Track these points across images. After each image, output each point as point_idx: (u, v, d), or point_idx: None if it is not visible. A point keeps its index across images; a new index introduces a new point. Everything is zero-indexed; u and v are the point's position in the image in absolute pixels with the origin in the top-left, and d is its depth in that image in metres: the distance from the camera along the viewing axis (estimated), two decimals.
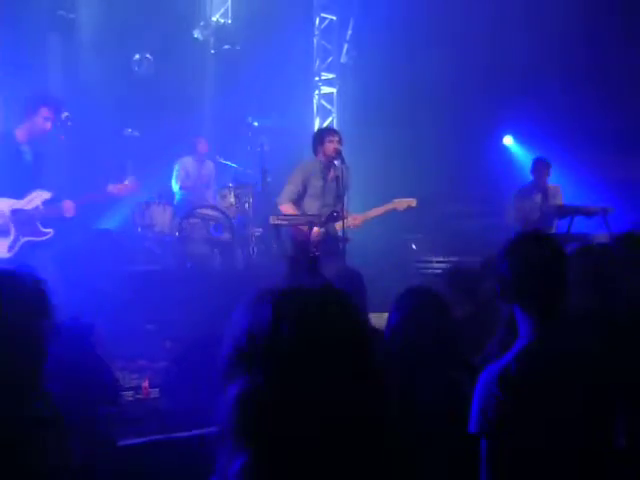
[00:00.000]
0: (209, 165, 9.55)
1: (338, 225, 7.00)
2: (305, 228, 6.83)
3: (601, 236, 7.08)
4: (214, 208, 8.84)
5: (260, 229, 8.91)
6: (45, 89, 7.58)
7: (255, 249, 8.81)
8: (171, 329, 6.52)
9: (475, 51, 10.12)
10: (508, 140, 11.50)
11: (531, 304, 2.54)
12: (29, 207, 6.06)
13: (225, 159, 9.73)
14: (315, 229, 6.82)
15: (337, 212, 7.05)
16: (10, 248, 5.96)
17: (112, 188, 6.60)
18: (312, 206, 7.21)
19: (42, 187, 6.18)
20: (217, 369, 1.60)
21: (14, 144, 6.07)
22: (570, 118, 9.83)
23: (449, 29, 10.08)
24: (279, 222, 6.88)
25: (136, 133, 9.32)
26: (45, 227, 6.14)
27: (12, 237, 5.98)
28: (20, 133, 6.13)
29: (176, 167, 9.35)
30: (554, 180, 8.74)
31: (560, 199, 8.55)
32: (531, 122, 10.27)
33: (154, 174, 9.18)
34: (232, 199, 9.15)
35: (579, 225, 7.80)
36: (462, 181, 10.36)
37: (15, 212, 5.99)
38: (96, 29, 9.40)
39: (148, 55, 9.89)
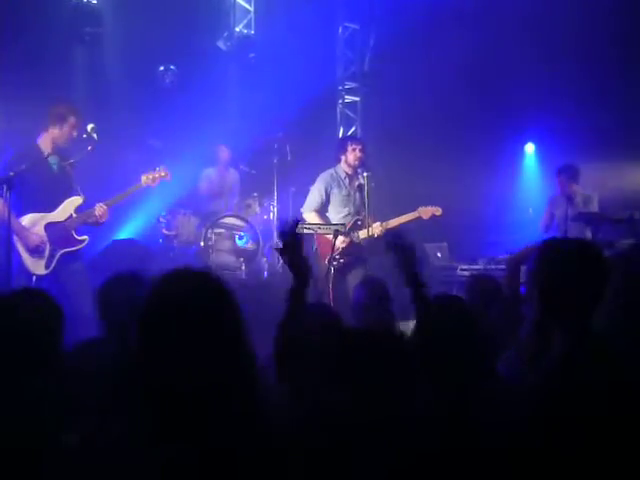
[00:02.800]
0: (233, 174, 9.59)
1: (362, 233, 7.02)
2: (329, 236, 6.84)
3: (627, 243, 7.01)
4: (239, 217, 8.87)
5: None
6: (70, 99, 7.63)
7: (280, 258, 8.81)
8: None
9: (500, 56, 10.09)
10: (530, 148, 11.44)
11: (566, 313, 2.44)
12: (63, 218, 6.09)
13: (249, 168, 9.77)
14: (340, 237, 6.82)
15: (361, 220, 7.07)
16: (48, 265, 5.99)
17: (145, 178, 6.64)
18: (335, 215, 7.23)
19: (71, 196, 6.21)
20: None
21: (40, 156, 6.06)
22: (590, 125, 9.75)
23: (471, 38, 10.05)
24: (303, 230, 6.89)
25: (160, 143, 9.39)
26: (80, 235, 6.20)
27: (48, 253, 5.99)
28: (44, 144, 6.14)
29: (200, 177, 9.40)
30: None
31: (594, 207, 8.35)
32: (552, 130, 10.22)
33: (179, 184, 9.23)
34: (257, 208, 9.18)
35: (605, 231, 7.75)
36: (486, 188, 10.33)
37: (49, 227, 6.02)
38: (120, 41, 9.49)
39: (172, 66, 9.96)
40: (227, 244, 8.69)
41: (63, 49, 9.07)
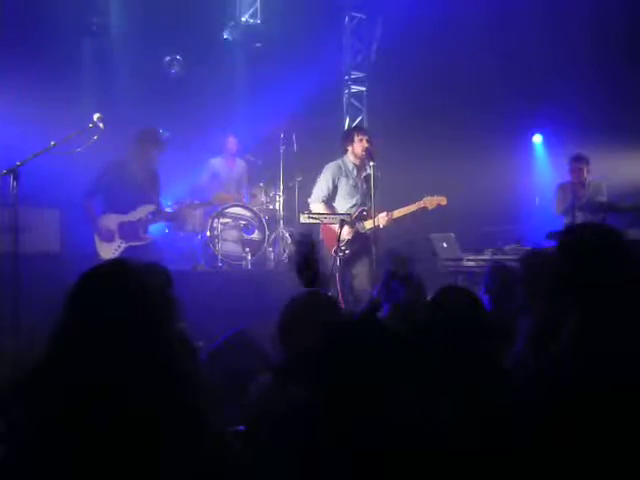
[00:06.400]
0: (240, 164, 9.58)
1: (368, 224, 7.01)
2: (335, 227, 6.83)
3: (636, 231, 6.99)
4: (245, 207, 8.88)
5: (291, 228, 8.93)
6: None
7: (286, 248, 8.83)
8: (202, 328, 6.56)
9: (506, 47, 10.06)
10: (537, 139, 11.42)
11: (588, 297, 2.42)
12: (135, 219, 7.32)
13: (255, 158, 9.76)
14: (346, 228, 6.81)
15: (366, 211, 7.05)
16: (115, 251, 7.28)
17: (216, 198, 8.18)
18: (343, 205, 7.22)
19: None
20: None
21: (126, 169, 7.36)
22: (597, 116, 9.71)
23: (480, 26, 10.02)
24: (309, 220, 6.89)
25: (167, 134, 9.38)
26: (147, 234, 7.41)
27: (116, 243, 7.27)
28: (131, 159, 7.41)
29: (205, 167, 9.39)
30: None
31: (603, 194, 8.33)
32: (561, 120, 10.19)
33: (186, 174, 9.24)
34: (263, 198, 9.20)
35: (612, 221, 7.72)
36: (492, 178, 10.31)
37: (122, 224, 7.28)
38: (127, 32, 9.50)
39: (179, 56, 9.96)
40: (233, 234, 8.71)
41: (70, 40, 9.09)
